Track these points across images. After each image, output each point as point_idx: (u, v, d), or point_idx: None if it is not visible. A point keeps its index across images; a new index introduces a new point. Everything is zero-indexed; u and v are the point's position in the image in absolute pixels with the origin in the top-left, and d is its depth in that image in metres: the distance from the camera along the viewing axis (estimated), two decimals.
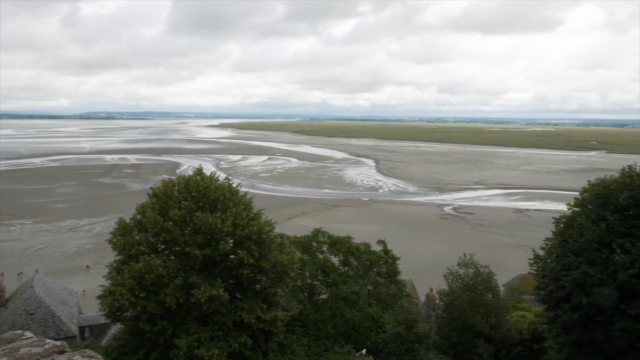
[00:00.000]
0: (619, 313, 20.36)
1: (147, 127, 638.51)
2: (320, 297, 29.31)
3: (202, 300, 20.46)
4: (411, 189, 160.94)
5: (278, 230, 32.36)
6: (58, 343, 5.35)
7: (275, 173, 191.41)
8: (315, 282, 28.92)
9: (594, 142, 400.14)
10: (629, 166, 22.81)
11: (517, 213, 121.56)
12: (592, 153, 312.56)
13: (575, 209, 23.29)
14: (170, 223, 22.46)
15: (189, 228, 22.67)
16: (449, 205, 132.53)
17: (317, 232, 30.75)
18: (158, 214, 22.29)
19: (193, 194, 23.31)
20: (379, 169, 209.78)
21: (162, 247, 22.83)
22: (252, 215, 23.02)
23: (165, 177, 26.90)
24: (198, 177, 23.54)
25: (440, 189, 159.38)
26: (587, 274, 20.75)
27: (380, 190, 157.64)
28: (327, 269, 28.87)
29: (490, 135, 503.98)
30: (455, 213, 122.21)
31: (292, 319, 24.68)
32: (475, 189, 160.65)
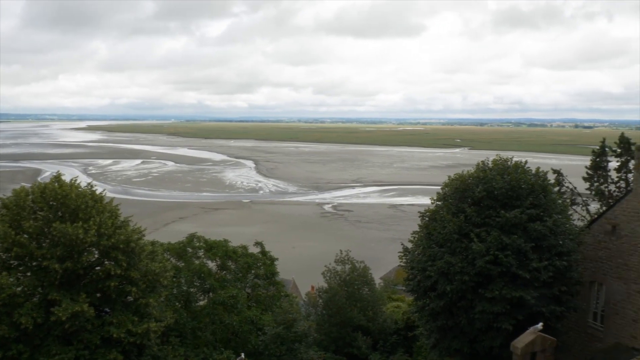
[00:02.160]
0: (478, 297, 22.10)
1: (1, 131, 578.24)
2: (198, 304, 28.46)
3: (64, 318, 18.86)
4: (291, 188, 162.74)
5: (155, 237, 30.74)
6: None
7: (150, 177, 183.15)
8: (191, 289, 27.99)
9: (459, 140, 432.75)
10: (482, 161, 24.84)
11: (392, 208, 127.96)
12: (457, 150, 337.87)
13: (438, 203, 24.87)
14: (25, 236, 20.47)
15: (47, 240, 20.83)
16: (328, 203, 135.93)
17: (192, 237, 29.80)
18: (9, 226, 20.16)
19: (51, 203, 21.42)
20: (259, 170, 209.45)
21: (15, 263, 20.71)
22: (118, 223, 21.66)
23: (25, 185, 24.37)
24: (56, 184, 21.69)
25: (320, 188, 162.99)
26: (449, 263, 22.25)
27: (261, 191, 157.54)
28: (203, 275, 28.09)
29: (365, 134, 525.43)
30: (335, 211, 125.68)
31: (168, 329, 23.72)
32: (353, 187, 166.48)
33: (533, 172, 24.00)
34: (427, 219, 24.98)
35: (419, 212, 26.20)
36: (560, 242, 22.42)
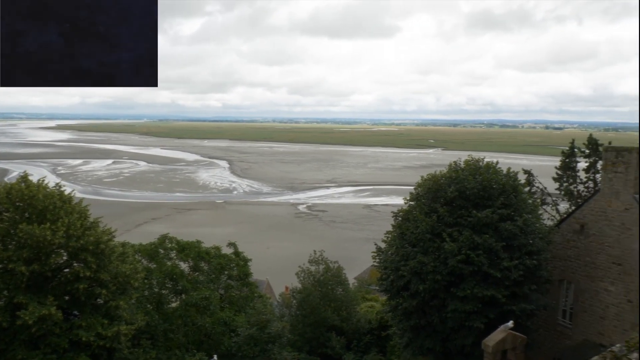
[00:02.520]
0: (450, 296, 22.31)
1: None
2: (170, 305, 28.09)
3: (31, 322, 18.41)
4: (266, 189, 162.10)
5: (127, 238, 30.11)
6: None
7: (122, 177, 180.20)
8: (163, 291, 27.63)
9: (432, 140, 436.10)
10: (455, 162, 25.09)
11: (366, 208, 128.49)
12: (431, 150, 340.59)
13: (411, 203, 25.04)
14: None
15: (13, 242, 20.32)
16: (303, 204, 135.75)
17: (164, 238, 29.41)
18: None
19: (17, 203, 20.91)
20: (233, 170, 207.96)
21: None
22: (88, 224, 21.26)
23: None
24: (23, 184, 21.18)
25: (294, 188, 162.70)
26: (422, 263, 22.41)
27: (235, 192, 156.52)
28: (175, 276, 27.75)
29: (340, 135, 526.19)
30: (309, 211, 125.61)
31: (139, 332, 23.36)
32: (328, 187, 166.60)
33: (504, 172, 24.35)
34: (400, 219, 25.11)
35: (392, 212, 26.32)
36: (531, 241, 22.79)
